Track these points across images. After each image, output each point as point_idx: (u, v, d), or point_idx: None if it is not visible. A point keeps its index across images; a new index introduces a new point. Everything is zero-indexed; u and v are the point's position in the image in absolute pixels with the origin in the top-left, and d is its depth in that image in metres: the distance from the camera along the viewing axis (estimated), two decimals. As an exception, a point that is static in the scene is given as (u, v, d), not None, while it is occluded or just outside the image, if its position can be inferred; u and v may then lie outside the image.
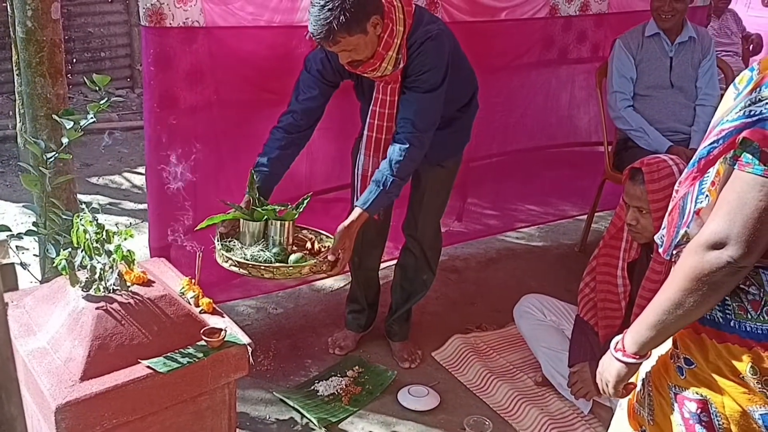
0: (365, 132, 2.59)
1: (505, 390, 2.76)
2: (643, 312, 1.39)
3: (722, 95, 3.80)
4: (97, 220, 1.85)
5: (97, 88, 2.26)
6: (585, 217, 4.06)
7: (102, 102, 2.28)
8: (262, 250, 2.39)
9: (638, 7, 3.81)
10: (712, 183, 1.33)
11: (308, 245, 2.53)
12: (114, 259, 1.85)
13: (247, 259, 2.31)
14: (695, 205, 1.34)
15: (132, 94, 6.87)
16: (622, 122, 3.56)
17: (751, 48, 5.23)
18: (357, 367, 2.86)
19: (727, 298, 1.30)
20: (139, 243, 2.73)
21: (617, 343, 1.45)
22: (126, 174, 5.05)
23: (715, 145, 1.25)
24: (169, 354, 1.88)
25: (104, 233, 1.83)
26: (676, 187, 1.42)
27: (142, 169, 5.05)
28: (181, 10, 2.50)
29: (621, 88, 3.55)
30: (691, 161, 1.33)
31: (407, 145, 2.39)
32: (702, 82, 3.59)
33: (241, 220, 2.45)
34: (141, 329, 1.86)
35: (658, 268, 2.42)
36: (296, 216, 2.48)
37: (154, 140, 2.63)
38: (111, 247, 1.84)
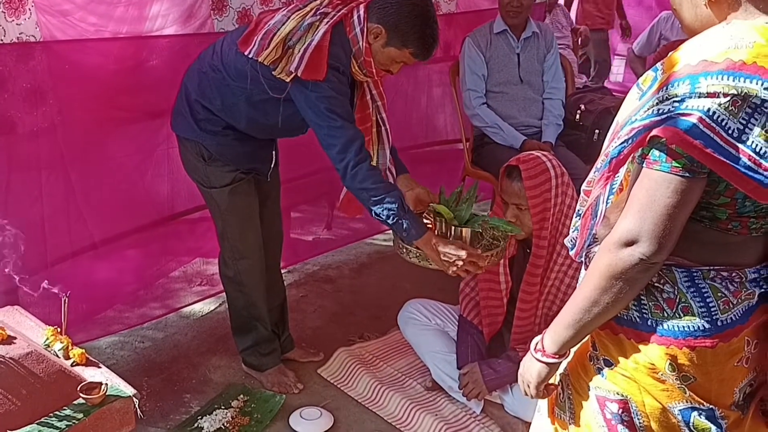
0: (383, 127, 2.50)
1: (397, 400, 2.71)
2: (560, 312, 1.40)
3: (565, 87, 3.99)
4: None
5: None
6: (448, 214, 4.11)
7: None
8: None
9: (484, 5, 3.92)
10: (621, 184, 1.35)
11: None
12: (-34, 320, 1.59)
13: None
14: (606, 207, 1.36)
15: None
16: (477, 120, 3.63)
17: (580, 41, 5.55)
18: (242, 396, 2.70)
19: (642, 297, 1.33)
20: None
21: (537, 343, 1.46)
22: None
23: (626, 144, 1.26)
24: (43, 419, 1.65)
25: (-50, 290, 1.57)
26: (584, 188, 1.44)
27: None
28: (13, 24, 2.22)
29: (474, 86, 3.62)
30: (604, 162, 1.34)
31: None
32: (548, 75, 3.74)
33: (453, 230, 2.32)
34: (7, 395, 1.63)
35: (538, 262, 2.48)
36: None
37: (-9, 172, 2.33)
38: (-39, 305, 1.58)
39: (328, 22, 2.24)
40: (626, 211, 1.26)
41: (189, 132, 2.48)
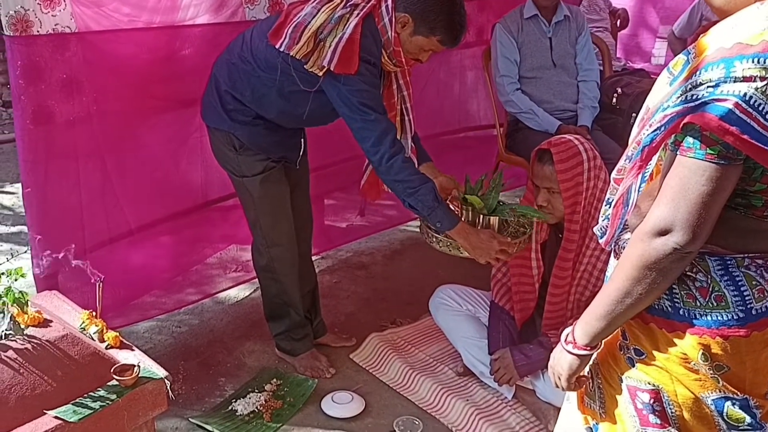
0: (409, 117, 2.54)
1: (429, 385, 2.72)
2: (591, 303, 1.37)
3: (600, 70, 3.93)
4: (-21, 260, 1.64)
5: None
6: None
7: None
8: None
9: (517, -12, 3.86)
10: (652, 172, 1.32)
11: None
12: (4, 303, 1.64)
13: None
14: (638, 195, 1.33)
15: (-11, 106, 6.31)
16: (511, 105, 3.60)
17: (618, 23, 5.44)
18: (275, 380, 2.74)
19: (674, 286, 1.30)
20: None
21: (567, 335, 1.43)
22: (-7, 194, 4.63)
23: (658, 131, 1.23)
24: (78, 400, 1.70)
25: (-11, 274, 1.62)
26: (614, 176, 1.40)
27: (10, 188, 4.65)
28: (49, 16, 2.26)
29: (507, 71, 3.58)
30: (635, 150, 1.30)
31: None
32: (581, 58, 3.69)
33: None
34: (43, 376, 1.67)
35: (570, 246, 2.46)
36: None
37: (31, 160, 2.39)
38: (0, 289, 1.64)
39: (358, 14, 2.24)
40: (659, 200, 1.23)
41: (220, 122, 2.51)
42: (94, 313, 2.00)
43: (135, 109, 2.64)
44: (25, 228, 2.94)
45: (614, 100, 3.72)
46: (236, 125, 2.48)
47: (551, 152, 2.38)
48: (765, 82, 1.11)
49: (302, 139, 2.67)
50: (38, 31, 2.25)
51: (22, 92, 2.29)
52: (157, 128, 2.77)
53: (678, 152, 1.21)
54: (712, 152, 1.16)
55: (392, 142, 2.27)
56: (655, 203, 1.24)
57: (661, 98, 1.26)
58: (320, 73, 2.26)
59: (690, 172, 1.19)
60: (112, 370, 1.78)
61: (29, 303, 1.76)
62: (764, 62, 1.11)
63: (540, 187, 2.46)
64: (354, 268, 3.63)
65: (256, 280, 2.94)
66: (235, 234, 3.24)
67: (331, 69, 2.22)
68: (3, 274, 1.66)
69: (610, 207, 1.42)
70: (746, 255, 1.28)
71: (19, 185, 4.06)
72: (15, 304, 1.70)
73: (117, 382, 1.77)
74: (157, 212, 2.89)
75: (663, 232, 1.21)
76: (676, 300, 1.30)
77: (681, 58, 1.26)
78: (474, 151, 4.11)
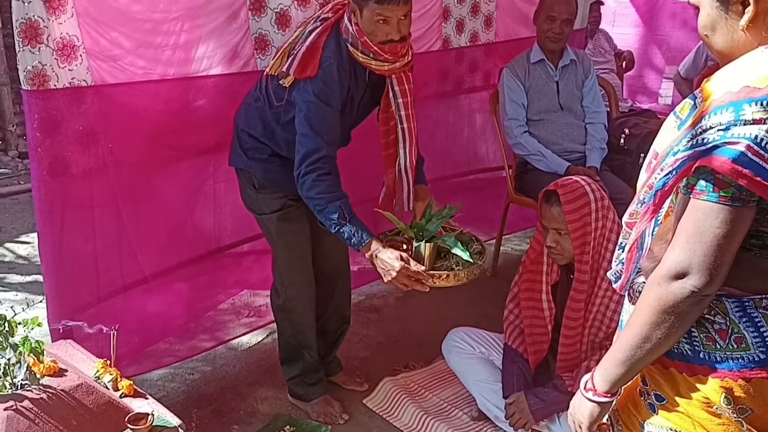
0: (403, 126, 2.54)
1: (443, 430, 2.70)
2: (610, 349, 1.37)
3: (607, 111, 3.97)
4: (-4, 310, 1.66)
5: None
6: (493, 241, 4.10)
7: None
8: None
9: (523, 34, 3.93)
10: (666, 215, 1.33)
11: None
12: (21, 353, 1.66)
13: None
14: (651, 239, 1.34)
15: (5, 157, 6.42)
16: (520, 148, 3.63)
17: (624, 65, 5.50)
18: (288, 427, 2.73)
19: (693, 329, 1.29)
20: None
21: (586, 382, 1.42)
22: (8, 245, 4.67)
23: (670, 176, 1.24)
24: (93, 449, 1.70)
25: (6, 324, 1.64)
26: (626, 220, 1.41)
27: (25, 238, 4.70)
28: (65, 70, 2.32)
29: (515, 115, 3.63)
30: (648, 194, 1.32)
31: None
32: (587, 101, 3.73)
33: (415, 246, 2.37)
34: (59, 426, 1.68)
35: (581, 287, 2.46)
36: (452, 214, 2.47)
37: (47, 210, 2.42)
38: (16, 339, 1.65)
39: (325, 25, 2.38)
40: (674, 243, 1.24)
41: (239, 162, 2.59)
42: (108, 362, 2.01)
43: (149, 159, 2.69)
44: (39, 277, 2.98)
45: (622, 140, 3.75)
46: (253, 163, 2.55)
47: (558, 193, 2.40)
48: None
49: None
50: (55, 85, 2.31)
51: (39, 144, 2.34)
52: (172, 177, 2.81)
53: (691, 195, 1.22)
54: (725, 195, 1.18)
55: (313, 161, 2.32)
56: (670, 247, 1.24)
57: (670, 142, 1.27)
58: (287, 84, 2.36)
59: (704, 215, 1.20)
60: (126, 419, 1.79)
61: (45, 352, 1.78)
62: None
63: (548, 228, 2.47)
64: (366, 312, 3.63)
65: (269, 325, 2.96)
66: (247, 279, 3.26)
67: (290, 73, 2.32)
68: (20, 323, 1.68)
69: (623, 251, 1.42)
70: (764, 296, 1.27)
71: (34, 235, 4.11)
72: (31, 354, 1.72)
73: (131, 431, 1.78)
74: (171, 259, 2.91)
75: (680, 276, 1.22)
76: (695, 343, 1.30)
77: (688, 102, 1.28)
78: (484, 193, 4.13)
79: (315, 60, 2.32)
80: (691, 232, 1.21)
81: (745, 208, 1.18)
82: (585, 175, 2.99)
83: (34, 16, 2.20)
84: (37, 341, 1.73)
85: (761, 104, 1.14)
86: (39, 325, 1.70)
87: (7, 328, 1.65)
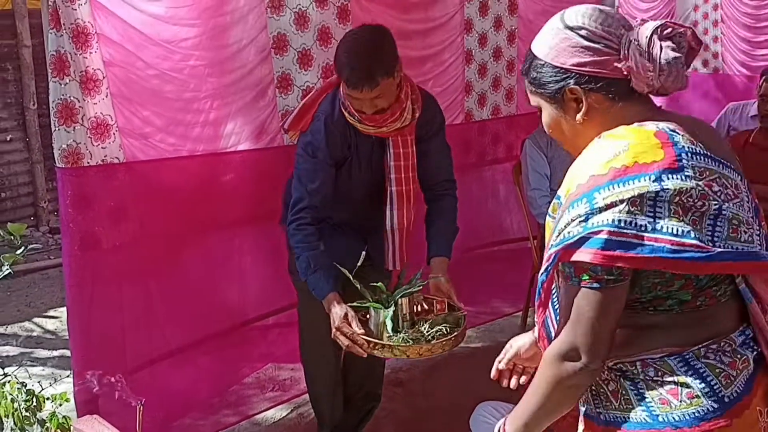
0: (393, 188, 2.55)
1: (473, 508, 2.62)
2: (517, 405, 1.45)
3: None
4: (25, 385, 1.67)
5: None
6: (519, 313, 4.06)
7: (18, 252, 2.12)
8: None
9: (544, 106, 3.98)
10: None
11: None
12: (48, 428, 1.66)
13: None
14: (557, 324, 1.41)
15: (36, 233, 6.54)
16: (544, 218, 3.62)
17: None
18: (313, 505, 2.67)
19: (646, 396, 1.33)
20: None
21: (499, 429, 1.49)
22: (36, 319, 4.72)
23: (549, 268, 1.34)
24: None
25: (34, 400, 1.65)
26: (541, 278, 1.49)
27: (53, 312, 4.75)
28: (99, 148, 2.40)
29: (538, 185, 3.64)
30: (537, 290, 1.42)
31: (455, 198, 2.70)
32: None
33: (372, 312, 2.36)
34: (83, 503, 1.66)
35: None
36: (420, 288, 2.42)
37: (76, 284, 2.46)
38: (44, 414, 1.66)
39: (327, 83, 2.53)
40: (560, 325, 1.34)
41: (284, 225, 2.60)
42: (134, 438, 2.00)
43: (178, 233, 2.73)
44: (67, 351, 2.99)
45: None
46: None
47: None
48: (625, 203, 1.22)
49: (363, 250, 2.74)
50: (88, 163, 2.38)
51: (71, 220, 2.39)
52: (198, 250, 2.85)
53: (565, 281, 1.31)
54: (586, 278, 1.27)
55: (296, 211, 2.44)
56: (560, 328, 1.34)
57: (548, 238, 1.37)
58: (295, 142, 2.54)
59: (577, 300, 1.29)
60: (150, 497, 1.76)
61: (72, 428, 1.77)
62: (618, 187, 1.22)
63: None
64: (392, 386, 3.57)
65: (294, 400, 2.94)
66: (272, 353, 3.25)
67: (285, 128, 2.52)
68: (48, 399, 1.68)
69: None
70: (701, 346, 1.32)
71: (62, 309, 4.16)
72: (58, 429, 1.71)
73: None
74: (197, 332, 2.92)
75: (569, 355, 1.31)
76: (651, 409, 1.32)
77: (555, 202, 1.38)
78: (509, 264, 4.13)
79: (308, 116, 2.46)
80: (572, 315, 1.31)
81: (611, 288, 1.26)
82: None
83: (70, 96, 2.29)
84: (64, 416, 1.73)
85: (608, 189, 1.23)
86: (67, 400, 1.70)
87: (34, 404, 1.66)
